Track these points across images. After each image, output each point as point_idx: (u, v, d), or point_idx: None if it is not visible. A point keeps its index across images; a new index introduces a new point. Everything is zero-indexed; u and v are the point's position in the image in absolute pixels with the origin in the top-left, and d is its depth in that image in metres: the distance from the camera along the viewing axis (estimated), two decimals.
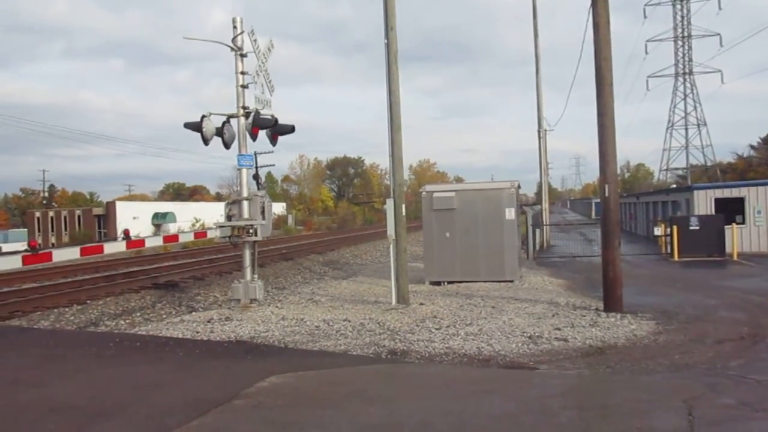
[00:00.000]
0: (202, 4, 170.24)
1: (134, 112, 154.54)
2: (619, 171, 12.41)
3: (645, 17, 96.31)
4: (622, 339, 8.47)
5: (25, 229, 63.92)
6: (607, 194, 10.66)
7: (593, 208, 52.69)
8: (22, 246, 40.86)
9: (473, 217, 14.80)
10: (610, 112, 10.54)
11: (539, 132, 28.48)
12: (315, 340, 8.70)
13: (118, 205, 60.05)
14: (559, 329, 9.05)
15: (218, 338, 8.91)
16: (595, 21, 10.60)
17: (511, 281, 14.45)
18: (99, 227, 58.32)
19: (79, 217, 60.71)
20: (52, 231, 60.47)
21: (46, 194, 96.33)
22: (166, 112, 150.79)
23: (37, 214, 64.03)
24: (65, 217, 61.38)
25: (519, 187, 15.82)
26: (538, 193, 37.14)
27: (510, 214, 14.79)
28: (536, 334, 8.76)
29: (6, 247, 53.04)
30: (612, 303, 10.41)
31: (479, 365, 7.27)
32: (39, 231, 60.88)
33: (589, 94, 10.70)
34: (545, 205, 30.66)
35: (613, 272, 10.49)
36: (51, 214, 62.86)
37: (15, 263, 10.80)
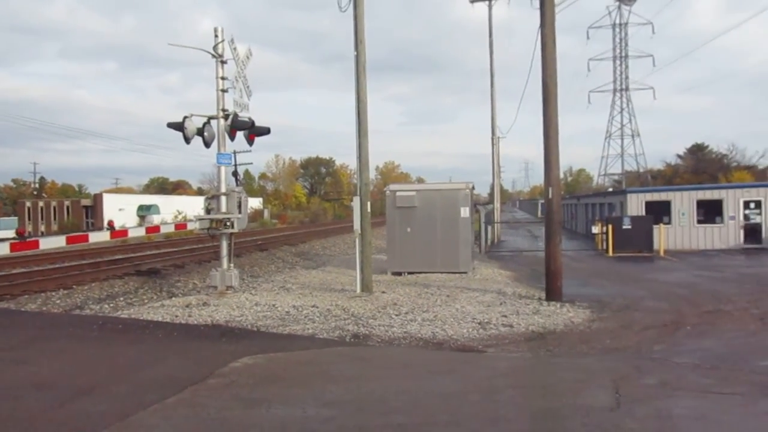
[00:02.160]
0: (192, 13, 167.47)
1: (125, 110, 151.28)
2: (562, 175, 12.61)
3: (588, 38, 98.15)
4: (561, 325, 8.61)
5: (16, 218, 62.07)
6: (550, 196, 10.83)
7: (539, 208, 53.44)
8: (11, 233, 39.65)
9: (432, 215, 14.89)
10: (554, 123, 10.69)
11: (492, 139, 28.79)
12: (285, 324, 8.64)
13: (105, 197, 58.74)
14: (505, 316, 9.16)
15: (196, 322, 8.78)
16: (543, 41, 10.74)
17: (465, 273, 14.57)
18: (86, 218, 56.97)
19: (67, 207, 59.17)
20: (42, 220, 58.81)
21: (37, 185, 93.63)
22: (155, 111, 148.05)
23: (28, 203, 62.19)
24: (54, 208, 59.77)
25: (473, 188, 15.95)
26: (491, 194, 37.54)
27: (465, 212, 14.93)
28: (485, 320, 8.85)
29: None
30: (553, 293, 10.59)
31: (434, 348, 7.32)
32: (29, 220, 59.15)
33: (538, 105, 10.83)
34: (497, 204, 31.02)
35: (554, 265, 10.66)
36: (41, 204, 61.13)
37: (3, 250, 10.41)
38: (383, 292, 11.60)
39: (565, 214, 37.85)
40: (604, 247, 20.48)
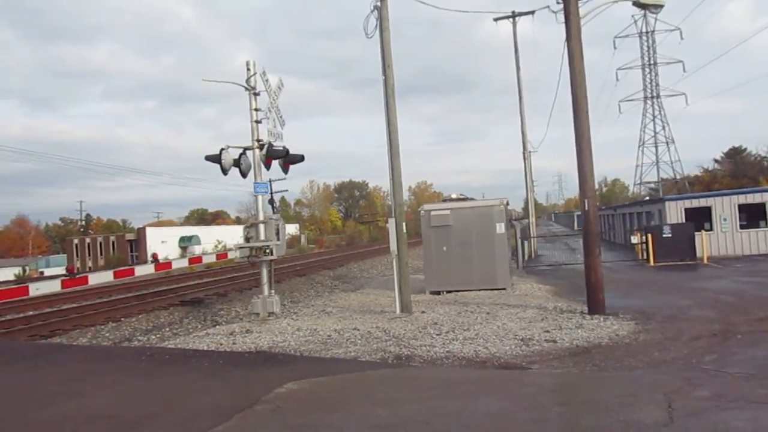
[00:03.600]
0: (227, 48, 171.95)
1: (164, 145, 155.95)
2: (597, 186, 12.35)
3: (615, 48, 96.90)
4: (606, 339, 8.40)
5: (65, 255, 64.02)
6: (587, 208, 10.65)
7: (575, 220, 52.53)
8: (62, 270, 40.86)
9: (467, 232, 14.78)
10: (586, 135, 10.56)
11: (524, 154, 28.56)
12: (327, 348, 8.64)
13: (148, 230, 60.18)
14: (548, 331, 8.98)
15: (240, 349, 8.86)
16: (570, 53, 10.66)
17: (503, 289, 14.38)
18: (131, 251, 58.37)
19: (113, 242, 60.81)
20: (89, 256, 60.52)
21: (83, 223, 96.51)
22: (193, 144, 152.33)
23: (75, 240, 64.16)
24: (100, 243, 61.48)
25: (507, 203, 15.82)
26: (525, 208, 37.15)
27: (500, 228, 14.78)
28: (527, 336, 8.69)
29: (48, 272, 53.15)
30: (595, 306, 10.34)
31: (477, 367, 7.21)
32: (77, 256, 60.96)
33: (569, 117, 10.73)
34: (532, 218, 30.64)
35: (595, 278, 10.43)
36: (87, 240, 62.97)
37: (55, 287, 10.77)
38: (423, 312, 11.52)
39: (603, 225, 37.19)
40: (645, 256, 19.99)
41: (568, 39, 10.67)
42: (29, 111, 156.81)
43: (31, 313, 17.08)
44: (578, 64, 10.59)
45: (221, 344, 9.36)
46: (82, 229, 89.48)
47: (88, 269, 55.71)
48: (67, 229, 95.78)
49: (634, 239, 22.05)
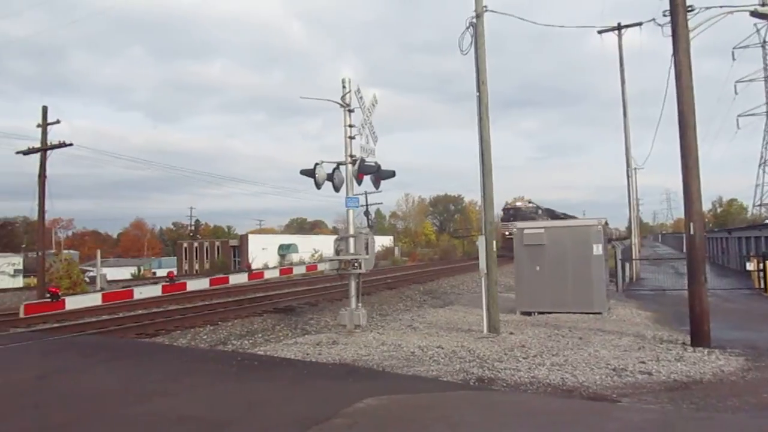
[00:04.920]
0: (333, 63, 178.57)
1: (270, 156, 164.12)
2: (710, 206, 11.54)
3: (734, 59, 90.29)
4: (709, 375, 7.79)
5: (175, 257, 68.46)
6: (692, 232, 9.99)
7: (684, 241, 49.35)
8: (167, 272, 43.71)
9: (562, 252, 14.30)
10: (693, 154, 9.92)
11: (628, 170, 27.27)
12: (410, 365, 8.63)
13: (250, 237, 63.07)
14: (643, 362, 8.47)
15: (325, 360, 9.04)
16: (677, 68, 10.08)
17: (599, 313, 13.76)
18: (234, 257, 61.43)
19: (218, 247, 64.29)
20: (196, 259, 64.33)
21: (193, 227, 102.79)
22: (296, 155, 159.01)
23: (185, 244, 68.48)
24: (207, 248, 65.20)
25: (606, 223, 15.15)
26: (629, 228, 35.31)
27: (597, 249, 14.17)
28: (620, 366, 8.24)
29: (159, 272, 57.04)
30: (699, 337, 9.64)
31: (562, 396, 6.92)
32: (186, 259, 65.00)
33: (677, 131, 10.11)
34: (635, 239, 29.14)
35: (699, 307, 9.73)
36: (196, 245, 66.97)
37: (156, 291, 11.26)
38: (511, 333, 11.24)
39: (715, 248, 34.64)
40: (762, 285, 18.40)
41: (675, 53, 10.10)
42: (152, 122, 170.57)
43: (140, 311, 18.39)
44: (686, 79, 9.99)
45: (307, 354, 9.60)
46: (191, 234, 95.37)
47: (195, 272, 59.21)
48: (178, 233, 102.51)
49: (750, 266, 20.33)
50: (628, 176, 27.32)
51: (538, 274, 14.37)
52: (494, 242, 11.82)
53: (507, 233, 46.64)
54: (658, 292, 19.85)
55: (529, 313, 14.17)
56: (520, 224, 15.60)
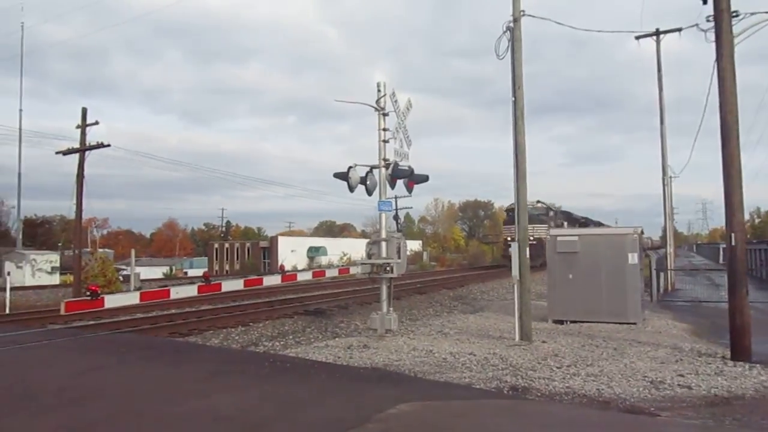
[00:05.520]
0: (366, 67, 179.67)
1: (301, 159, 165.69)
2: (748, 217, 11.15)
3: None
4: (751, 390, 7.54)
5: (206, 258, 69.41)
6: (733, 243, 9.69)
7: (720, 253, 47.92)
8: (202, 272, 44.31)
9: (596, 261, 14.05)
10: (736, 163, 9.64)
11: (664, 179, 26.70)
12: (442, 371, 8.56)
13: (280, 239, 63.59)
14: (682, 375, 8.24)
15: (356, 364, 9.03)
16: (720, 75, 9.82)
17: (634, 323, 13.47)
18: (264, 258, 62.01)
19: (248, 249, 64.99)
20: (227, 260, 65.09)
21: (224, 228, 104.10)
22: (326, 159, 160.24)
23: (216, 245, 69.35)
24: (237, 249, 65.94)
25: (642, 232, 14.83)
26: (664, 237, 34.58)
27: (633, 258, 13.89)
28: (658, 379, 8.03)
29: (191, 272, 57.90)
30: (739, 351, 9.33)
31: (598, 407, 6.77)
32: (216, 259, 65.81)
33: (717, 141, 9.85)
34: (670, 249, 28.49)
35: (740, 320, 9.43)
36: (226, 245, 67.79)
37: (192, 292, 11.47)
38: (543, 342, 11.08)
39: (756, 260, 33.66)
40: None
41: (719, 59, 9.84)
42: (186, 125, 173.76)
43: (174, 311, 18.67)
44: (729, 86, 9.73)
45: (339, 357, 9.60)
46: (222, 235, 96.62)
47: (225, 272, 59.94)
48: (209, 234, 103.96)
49: None
50: (663, 185, 26.74)
51: (571, 282, 14.14)
52: (527, 249, 11.67)
53: (509, 238, 41.50)
54: (694, 303, 19.35)
55: (561, 322, 13.95)
56: (553, 231, 15.38)
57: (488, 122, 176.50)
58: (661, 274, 22.87)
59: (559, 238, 14.64)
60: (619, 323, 13.42)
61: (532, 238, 39.97)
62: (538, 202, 46.08)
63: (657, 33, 25.12)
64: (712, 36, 10.02)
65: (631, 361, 9.20)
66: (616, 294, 13.77)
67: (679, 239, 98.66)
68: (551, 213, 47.33)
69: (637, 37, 25.36)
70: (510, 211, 43.08)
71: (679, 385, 7.77)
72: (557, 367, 8.79)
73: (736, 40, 9.91)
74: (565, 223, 47.98)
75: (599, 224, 60.07)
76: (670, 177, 27.45)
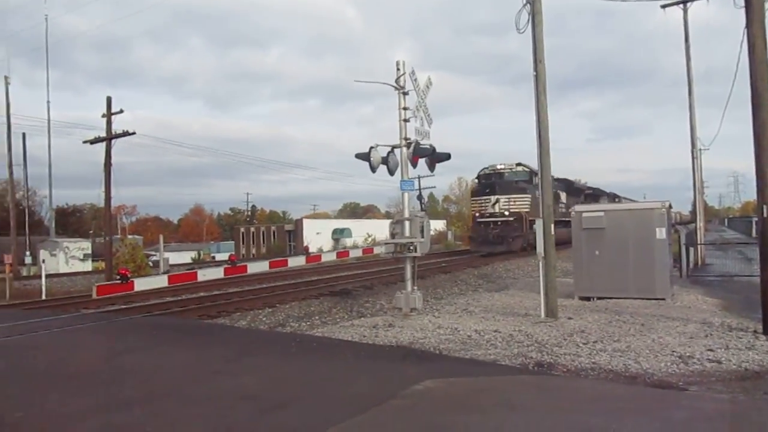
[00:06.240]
0: (387, 46, 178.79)
1: (324, 142, 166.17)
2: None
3: None
4: None
5: (233, 242, 70.28)
6: (765, 215, 9.47)
7: (753, 226, 46.66)
8: (228, 256, 44.95)
9: (623, 236, 13.85)
10: (767, 133, 9.38)
11: (693, 152, 26.12)
12: (467, 348, 8.59)
13: (305, 222, 64.00)
14: (711, 350, 8.14)
15: (381, 342, 9.11)
16: (750, 42, 9.52)
17: (663, 299, 13.29)
18: (289, 241, 62.52)
19: (273, 232, 65.58)
20: (253, 244, 65.81)
21: (249, 213, 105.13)
22: (350, 141, 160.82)
23: (242, 229, 70.16)
24: (263, 232, 66.60)
25: (670, 206, 14.57)
26: (693, 212, 33.91)
27: (661, 233, 13.66)
28: (687, 354, 7.95)
29: (218, 257, 58.74)
30: None
31: (625, 382, 6.74)
32: (243, 243, 66.59)
33: (747, 111, 9.59)
34: (700, 223, 27.95)
35: None
36: (252, 229, 68.52)
37: (219, 274, 11.70)
38: (569, 318, 11.02)
39: None
40: None
41: (748, 25, 9.54)
42: (209, 111, 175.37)
43: (202, 294, 19.00)
44: (760, 53, 9.43)
45: (364, 336, 9.69)
46: (248, 219, 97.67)
47: (252, 256, 60.66)
48: (235, 218, 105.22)
49: None
50: (693, 158, 26.16)
51: (598, 259, 13.99)
52: (552, 225, 11.58)
53: (477, 214, 35.39)
54: (725, 278, 18.99)
55: (587, 298, 13.84)
56: (578, 207, 15.20)
57: (511, 100, 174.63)
58: (691, 249, 22.47)
59: (584, 214, 14.46)
60: (648, 299, 13.26)
61: (507, 212, 34.26)
62: (519, 164, 36.33)
63: (684, 1, 24.41)
64: (741, 1, 9.72)
65: (659, 337, 9.12)
66: (644, 269, 13.58)
67: (710, 213, 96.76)
68: (537, 180, 41.25)
69: (663, 6, 24.68)
70: (484, 178, 36.81)
71: (708, 359, 7.68)
72: (583, 343, 8.75)
73: (767, 5, 9.58)
74: (563, 195, 40.13)
75: (614, 197, 56.16)
76: (700, 149, 26.83)
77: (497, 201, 34.37)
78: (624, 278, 13.69)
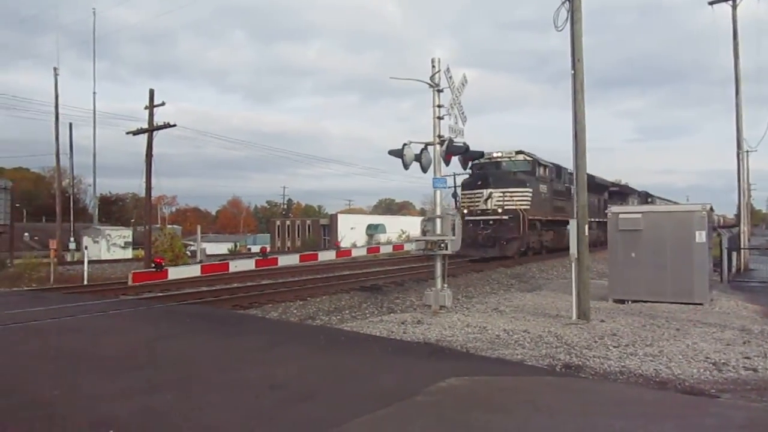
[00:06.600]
0: (427, 44, 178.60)
1: (361, 137, 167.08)
2: None
3: None
4: None
5: (269, 235, 71.29)
6: None
7: None
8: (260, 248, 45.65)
9: (660, 239, 13.57)
10: None
11: (738, 153, 25.36)
12: (494, 347, 8.57)
13: (340, 217, 64.43)
14: (748, 358, 7.94)
15: (409, 339, 9.16)
16: None
17: (701, 304, 12.98)
18: (324, 235, 63.05)
19: (309, 226, 66.26)
20: (288, 237, 66.60)
21: (285, 206, 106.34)
22: (386, 137, 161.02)
23: (278, 222, 71.09)
24: (298, 226, 67.35)
25: (711, 209, 14.20)
26: (738, 215, 32.93)
27: (700, 236, 13.34)
28: (722, 360, 7.77)
29: (254, 248, 59.68)
30: None
31: (654, 387, 6.64)
32: (278, 236, 67.46)
33: None
34: (744, 227, 27.14)
35: None
36: (288, 223, 69.35)
37: (250, 265, 11.89)
38: (602, 321, 10.88)
39: None
40: None
41: None
42: (249, 105, 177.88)
43: (236, 285, 19.36)
44: None
45: (392, 332, 9.75)
46: (284, 212, 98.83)
47: (287, 249, 61.41)
48: (271, 211, 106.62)
49: None
50: (738, 159, 25.42)
51: (634, 261, 13.74)
52: (586, 227, 11.42)
53: (466, 210, 29.24)
54: None
55: (622, 301, 13.61)
56: (615, 208, 14.94)
57: (549, 98, 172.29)
58: (734, 254, 21.85)
59: (621, 216, 14.22)
60: (685, 303, 12.98)
61: (501, 209, 28.73)
62: (519, 152, 30.35)
63: None
64: None
65: (694, 342, 8.93)
66: (682, 273, 13.29)
67: (756, 217, 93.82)
68: (542, 172, 31.06)
69: (711, 2, 24.00)
70: (477, 167, 29.84)
71: (744, 367, 7.49)
72: (614, 347, 8.63)
73: None
74: (570, 186, 32.27)
75: (647, 196, 52.46)
76: (746, 151, 26.03)
77: (490, 196, 28.61)
78: (661, 281, 13.42)
